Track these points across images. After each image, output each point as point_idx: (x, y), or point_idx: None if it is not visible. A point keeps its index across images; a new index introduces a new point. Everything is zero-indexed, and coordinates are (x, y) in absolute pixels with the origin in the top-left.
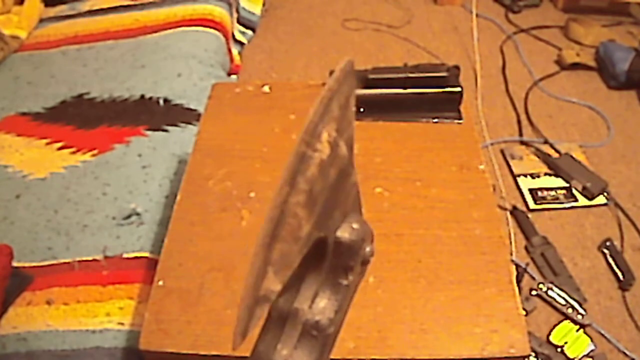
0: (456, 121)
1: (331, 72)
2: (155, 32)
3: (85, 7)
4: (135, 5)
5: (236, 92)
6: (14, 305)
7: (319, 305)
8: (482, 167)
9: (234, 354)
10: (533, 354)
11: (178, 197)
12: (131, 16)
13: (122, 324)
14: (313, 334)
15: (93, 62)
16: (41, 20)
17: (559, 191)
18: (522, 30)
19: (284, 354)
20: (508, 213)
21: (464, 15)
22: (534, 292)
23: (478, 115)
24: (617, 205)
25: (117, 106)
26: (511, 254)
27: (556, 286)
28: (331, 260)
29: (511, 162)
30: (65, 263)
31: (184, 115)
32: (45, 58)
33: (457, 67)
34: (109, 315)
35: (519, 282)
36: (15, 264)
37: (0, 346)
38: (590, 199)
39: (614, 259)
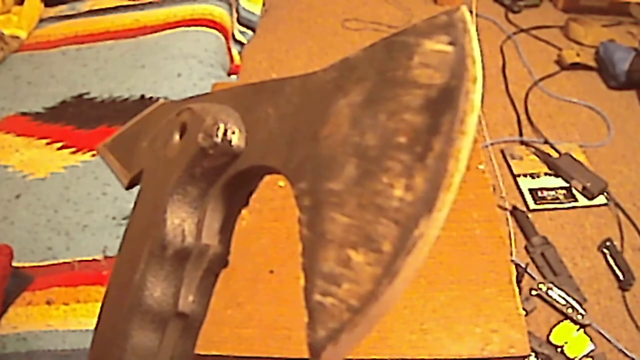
0: None
1: None
2: (155, 32)
3: (85, 7)
4: (135, 5)
5: None
6: (14, 305)
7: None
8: (482, 167)
9: (234, 354)
10: (533, 354)
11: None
12: (131, 16)
13: None
14: (215, 271)
15: (93, 62)
16: (41, 20)
17: (559, 191)
18: (522, 30)
19: (191, 300)
20: (508, 213)
21: None
22: (534, 292)
23: (478, 115)
24: (617, 205)
25: (117, 106)
26: (511, 254)
27: (556, 286)
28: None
29: (511, 162)
30: (65, 263)
31: None
32: (45, 58)
33: None
34: None
35: (519, 282)
36: (15, 264)
37: (0, 346)
38: (590, 199)
39: (614, 259)
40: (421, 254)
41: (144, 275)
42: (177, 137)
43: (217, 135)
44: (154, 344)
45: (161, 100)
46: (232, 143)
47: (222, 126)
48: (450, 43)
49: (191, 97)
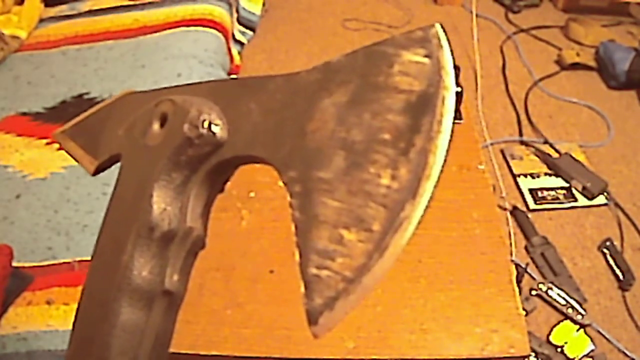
0: (456, 121)
1: None
2: (155, 32)
3: (85, 7)
4: (135, 5)
5: None
6: (14, 305)
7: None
8: (482, 167)
9: (234, 354)
10: (533, 354)
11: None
12: (131, 16)
13: None
14: (195, 251)
15: (93, 62)
16: (41, 20)
17: (559, 191)
18: (522, 30)
19: (175, 279)
20: (508, 213)
21: (464, 15)
22: (534, 292)
23: (478, 115)
24: (617, 205)
25: None
26: (511, 254)
27: (556, 286)
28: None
29: (511, 162)
30: (65, 263)
31: None
32: (45, 58)
33: (457, 67)
34: None
35: (519, 282)
36: (15, 264)
37: (0, 346)
38: (590, 199)
39: (614, 259)
40: (407, 233)
41: (132, 256)
42: (156, 126)
43: (202, 126)
44: (142, 320)
45: (125, 90)
46: (216, 134)
47: (206, 117)
48: (426, 56)
49: (163, 88)
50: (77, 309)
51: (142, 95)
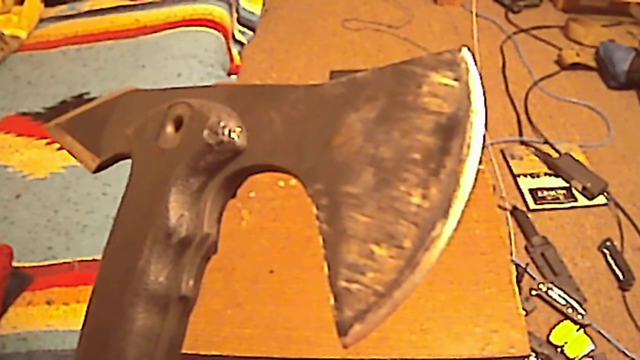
0: None
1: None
2: (155, 32)
3: (85, 7)
4: (135, 5)
5: None
6: (14, 305)
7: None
8: (482, 167)
9: (234, 354)
10: (533, 354)
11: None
12: (131, 16)
13: None
14: (209, 256)
15: (93, 62)
16: (41, 20)
17: (559, 191)
18: (522, 30)
19: (191, 284)
20: (508, 213)
21: (464, 15)
22: (534, 292)
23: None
24: (617, 205)
25: None
26: (511, 254)
27: (556, 286)
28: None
29: (511, 162)
30: (65, 263)
31: None
32: (45, 58)
33: None
34: None
35: (519, 282)
36: (15, 264)
37: (0, 346)
38: (590, 199)
39: (614, 259)
40: (438, 250)
41: (149, 261)
42: (170, 128)
43: (222, 133)
44: (158, 325)
45: (128, 86)
46: (236, 141)
47: (226, 124)
48: (455, 79)
49: (171, 88)
50: (88, 311)
51: (147, 93)
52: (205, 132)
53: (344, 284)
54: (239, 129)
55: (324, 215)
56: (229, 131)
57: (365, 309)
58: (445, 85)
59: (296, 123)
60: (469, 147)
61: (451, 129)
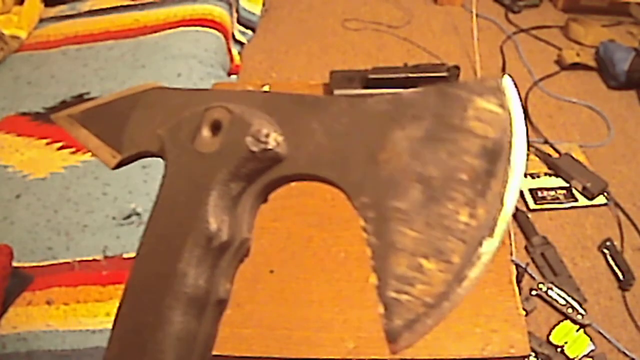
0: None
1: (331, 72)
2: (155, 32)
3: (85, 7)
4: (135, 5)
5: None
6: (14, 305)
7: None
8: None
9: (234, 354)
10: (533, 354)
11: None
12: (131, 16)
13: None
14: (243, 260)
15: (93, 62)
16: (41, 20)
17: (559, 191)
18: (522, 30)
19: (228, 287)
20: None
21: (464, 15)
22: (534, 292)
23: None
24: (617, 205)
25: None
26: (511, 254)
27: (556, 286)
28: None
29: None
30: (65, 263)
31: None
32: (45, 58)
33: (457, 67)
34: (109, 315)
35: (519, 282)
36: (15, 264)
37: (0, 346)
38: (590, 199)
39: (614, 259)
40: (483, 266)
41: (189, 265)
42: (206, 132)
43: (266, 141)
44: (195, 328)
45: (150, 83)
46: (278, 149)
47: (269, 132)
48: (500, 106)
49: (201, 90)
50: (119, 313)
51: (174, 92)
52: (249, 139)
53: (393, 294)
54: (281, 137)
55: (371, 228)
56: (272, 139)
57: (414, 319)
58: (490, 111)
59: (340, 136)
60: (513, 170)
61: (496, 153)
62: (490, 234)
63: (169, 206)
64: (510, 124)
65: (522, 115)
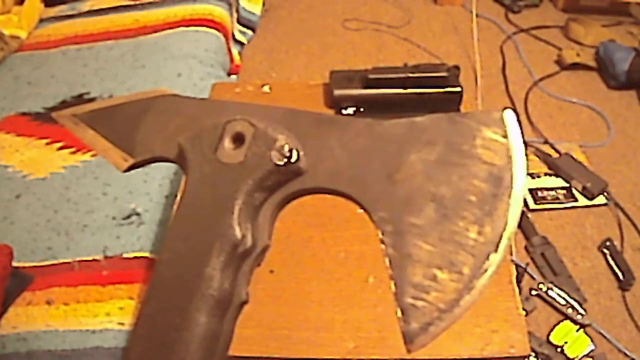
0: None
1: (331, 72)
2: (155, 32)
3: (85, 7)
4: (135, 5)
5: (236, 92)
6: (14, 305)
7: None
8: None
9: (234, 354)
10: (533, 354)
11: (178, 197)
12: (131, 16)
13: (122, 324)
14: (260, 264)
15: (93, 62)
16: (41, 20)
17: (559, 191)
18: (522, 30)
19: (248, 290)
20: None
21: (464, 15)
22: (534, 292)
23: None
24: (617, 205)
25: None
26: (511, 254)
27: (556, 286)
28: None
29: None
30: (65, 263)
31: None
32: (45, 58)
33: (457, 67)
34: (109, 315)
35: (519, 282)
36: (15, 264)
37: (0, 346)
38: (590, 199)
39: (614, 259)
40: (489, 277)
41: (215, 269)
42: (228, 143)
43: (290, 156)
44: (219, 328)
45: (161, 89)
46: (300, 163)
47: (293, 147)
48: (503, 136)
49: (220, 101)
50: (142, 314)
51: (189, 102)
52: (274, 154)
53: (410, 300)
54: (302, 152)
55: (389, 240)
56: (295, 154)
57: (429, 322)
58: (496, 141)
59: (359, 154)
60: (516, 195)
61: (501, 179)
62: (496, 249)
63: (193, 213)
64: (514, 154)
65: (523, 146)
